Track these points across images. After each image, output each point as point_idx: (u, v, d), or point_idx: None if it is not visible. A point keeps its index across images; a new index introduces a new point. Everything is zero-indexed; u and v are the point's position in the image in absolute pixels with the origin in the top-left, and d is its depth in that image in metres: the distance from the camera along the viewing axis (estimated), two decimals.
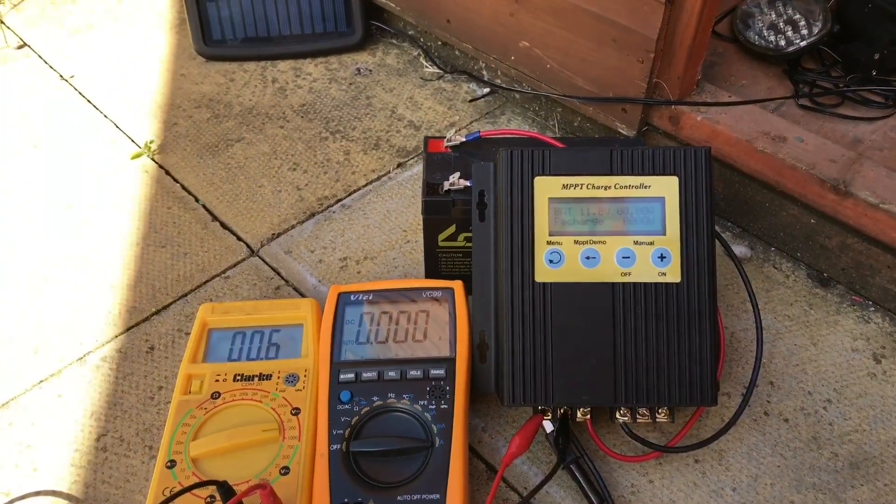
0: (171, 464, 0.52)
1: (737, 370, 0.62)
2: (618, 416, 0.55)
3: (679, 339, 0.53)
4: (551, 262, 0.54)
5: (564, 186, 0.54)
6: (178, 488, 0.50)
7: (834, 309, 0.66)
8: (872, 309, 0.66)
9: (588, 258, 0.53)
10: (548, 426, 0.55)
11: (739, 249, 0.70)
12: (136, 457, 0.57)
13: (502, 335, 0.54)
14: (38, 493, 0.55)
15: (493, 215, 0.58)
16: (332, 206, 0.76)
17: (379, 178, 0.79)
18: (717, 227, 0.55)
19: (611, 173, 0.54)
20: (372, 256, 0.71)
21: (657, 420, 0.54)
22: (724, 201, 0.73)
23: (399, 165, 0.80)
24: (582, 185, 0.54)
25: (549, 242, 0.54)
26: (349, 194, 0.77)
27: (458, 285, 0.60)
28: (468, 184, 0.60)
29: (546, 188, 0.54)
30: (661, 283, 0.53)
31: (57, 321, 0.66)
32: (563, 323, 0.53)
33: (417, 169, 0.79)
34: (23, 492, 0.55)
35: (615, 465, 0.56)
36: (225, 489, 0.46)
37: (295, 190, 0.78)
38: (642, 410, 0.54)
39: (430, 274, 0.65)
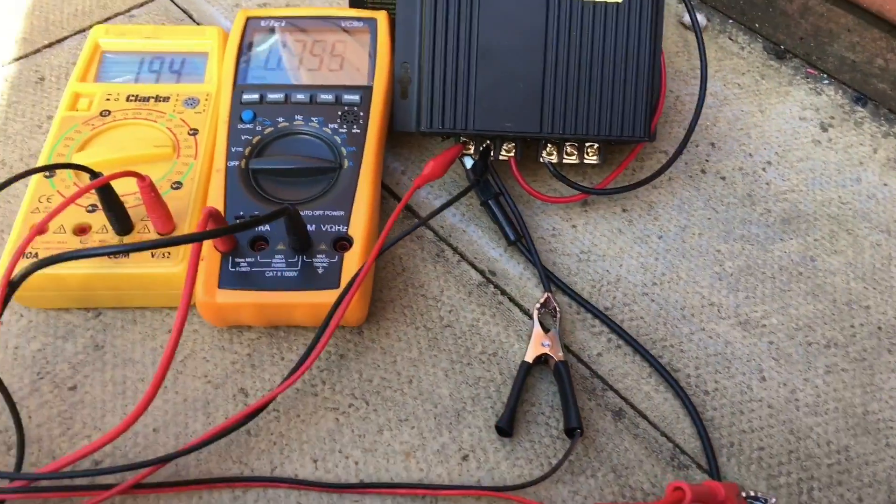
0: (51, 174, 0.47)
1: (678, 132, 0.58)
2: (544, 154, 0.51)
3: (615, 65, 0.48)
4: None
5: None
6: (57, 197, 0.46)
7: (787, 80, 0.62)
8: (826, 81, 0.62)
9: None
10: (468, 162, 0.51)
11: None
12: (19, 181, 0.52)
13: (423, 56, 0.48)
14: None
15: None
16: None
17: None
18: None
19: None
20: (296, 3, 0.64)
21: (586, 160, 0.51)
22: None
23: None
24: None
25: None
26: None
27: (381, 15, 0.54)
28: None
29: None
30: (601, 2, 0.48)
31: None
32: (489, 42, 0.48)
33: None
34: None
35: (538, 208, 0.52)
36: (95, 176, 0.41)
37: None
38: (570, 149, 0.51)
39: (354, 5, 0.59)
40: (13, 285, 0.36)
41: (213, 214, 0.40)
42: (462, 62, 0.48)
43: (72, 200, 0.39)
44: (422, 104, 0.49)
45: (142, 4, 0.64)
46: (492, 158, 0.51)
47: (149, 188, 0.41)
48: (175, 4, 0.64)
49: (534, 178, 0.54)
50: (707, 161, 0.56)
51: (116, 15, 0.63)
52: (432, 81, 0.48)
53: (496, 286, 0.49)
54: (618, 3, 0.48)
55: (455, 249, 0.50)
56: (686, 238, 0.52)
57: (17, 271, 0.36)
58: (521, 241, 0.50)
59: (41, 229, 0.37)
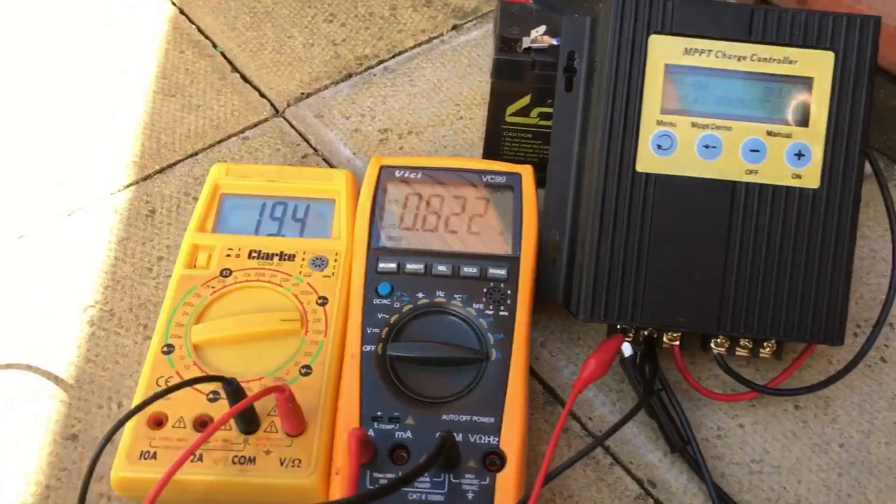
0: (169, 349, 0.43)
1: (850, 305, 0.51)
2: (713, 345, 0.45)
3: (808, 259, 0.42)
4: (660, 147, 0.42)
5: (687, 51, 0.42)
6: (175, 379, 0.41)
7: None
8: None
9: (707, 147, 0.42)
10: (626, 349, 0.45)
11: None
12: (128, 335, 0.48)
13: (586, 235, 0.43)
14: (8, 367, 0.46)
15: (583, 85, 0.46)
16: (372, 67, 0.64)
17: (430, 41, 0.66)
18: None
19: (749, 39, 0.42)
20: (418, 131, 0.60)
21: (760, 355, 0.45)
22: None
23: (454, 28, 0.67)
24: (710, 51, 0.42)
25: (659, 122, 0.42)
26: (393, 56, 0.65)
27: (526, 170, 0.49)
28: (555, 42, 0.48)
29: (663, 51, 0.42)
30: (795, 188, 0.42)
31: (43, 174, 0.56)
32: (664, 226, 0.42)
33: (476, 34, 0.67)
34: None
35: (699, 401, 0.46)
36: (234, 388, 0.36)
37: (330, 45, 0.65)
38: (745, 342, 0.45)
39: (489, 156, 0.54)
40: None
41: (363, 441, 0.35)
42: (631, 248, 0.42)
43: (214, 430, 0.34)
44: (581, 288, 0.43)
45: (256, 125, 0.60)
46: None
47: (288, 400, 0.37)
48: (291, 126, 0.60)
49: (692, 360, 0.48)
50: (887, 347, 0.49)
51: (230, 136, 0.59)
52: (596, 265, 0.42)
53: (657, 502, 0.43)
54: (813, 189, 0.42)
55: (607, 450, 0.44)
56: (871, 448, 0.45)
57: None
58: (685, 448, 0.44)
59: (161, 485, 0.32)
